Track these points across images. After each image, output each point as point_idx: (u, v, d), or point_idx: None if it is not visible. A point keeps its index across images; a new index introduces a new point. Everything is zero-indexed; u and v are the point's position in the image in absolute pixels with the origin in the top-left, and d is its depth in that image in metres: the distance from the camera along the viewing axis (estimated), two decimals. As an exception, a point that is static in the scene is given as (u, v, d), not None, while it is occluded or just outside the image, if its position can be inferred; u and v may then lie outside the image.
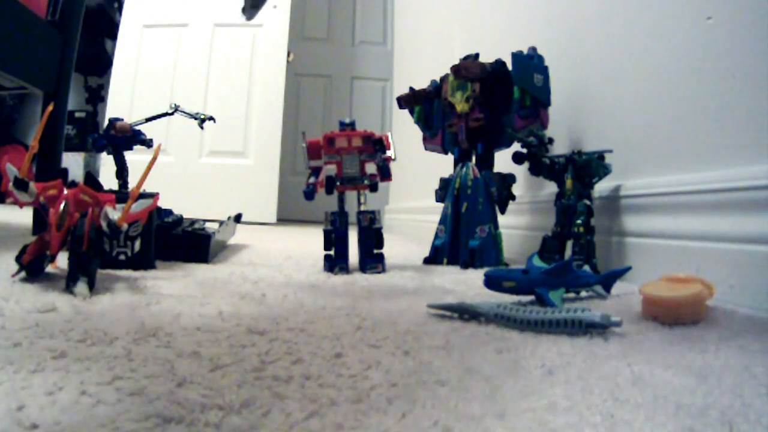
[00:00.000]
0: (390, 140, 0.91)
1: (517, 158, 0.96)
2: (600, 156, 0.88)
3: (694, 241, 0.72)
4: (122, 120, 1.03)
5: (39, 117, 0.81)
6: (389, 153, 0.90)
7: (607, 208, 0.92)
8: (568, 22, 1.14)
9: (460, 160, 1.09)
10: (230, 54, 2.66)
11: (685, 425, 0.27)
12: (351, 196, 0.91)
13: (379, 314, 0.53)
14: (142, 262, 0.77)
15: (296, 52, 2.98)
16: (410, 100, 1.18)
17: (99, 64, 3.34)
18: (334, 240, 0.88)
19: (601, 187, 0.92)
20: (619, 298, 0.67)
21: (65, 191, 0.59)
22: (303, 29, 3.30)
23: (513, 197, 1.05)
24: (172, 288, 0.63)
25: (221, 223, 1.16)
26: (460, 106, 1.06)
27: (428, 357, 0.38)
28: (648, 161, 0.85)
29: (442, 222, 1.07)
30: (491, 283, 0.60)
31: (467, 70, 1.02)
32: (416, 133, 1.25)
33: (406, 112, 1.23)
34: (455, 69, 1.03)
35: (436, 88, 1.14)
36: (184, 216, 1.03)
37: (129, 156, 1.03)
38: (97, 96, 3.47)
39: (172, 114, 1.16)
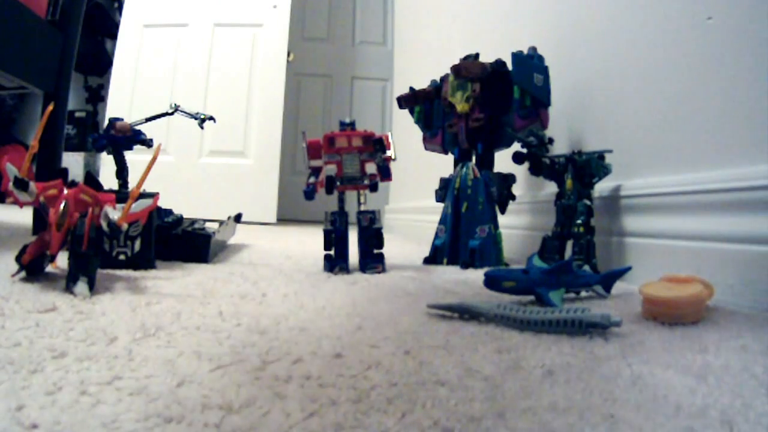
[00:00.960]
0: (390, 140, 0.91)
1: (517, 158, 0.96)
2: (600, 156, 0.88)
3: (694, 241, 0.72)
4: (122, 120, 1.03)
5: (39, 117, 0.81)
6: (389, 153, 0.90)
7: (607, 208, 0.92)
8: (568, 22, 1.14)
9: (460, 160, 1.09)
10: (230, 54, 2.66)
11: (684, 425, 0.27)
12: (351, 196, 0.91)
13: (379, 314, 0.53)
14: (142, 262, 0.77)
15: (296, 52, 2.98)
16: (410, 100, 1.18)
17: (99, 64, 3.35)
18: (334, 240, 0.88)
19: (601, 187, 0.92)
20: (619, 298, 0.67)
21: (65, 191, 0.59)
22: (303, 29, 3.30)
23: (513, 197, 1.05)
24: (172, 288, 0.63)
25: (221, 223, 1.16)
26: (460, 106, 1.06)
27: (428, 357, 0.38)
28: (648, 161, 0.85)
29: (442, 222, 1.07)
30: (491, 283, 0.60)
31: (467, 70, 1.02)
32: (416, 133, 1.25)
33: (406, 112, 1.23)
34: (455, 69, 1.03)
35: (436, 88, 1.14)
36: (184, 216, 1.03)
37: (129, 156, 1.03)
38: (97, 96, 3.47)
39: (172, 114, 1.16)
